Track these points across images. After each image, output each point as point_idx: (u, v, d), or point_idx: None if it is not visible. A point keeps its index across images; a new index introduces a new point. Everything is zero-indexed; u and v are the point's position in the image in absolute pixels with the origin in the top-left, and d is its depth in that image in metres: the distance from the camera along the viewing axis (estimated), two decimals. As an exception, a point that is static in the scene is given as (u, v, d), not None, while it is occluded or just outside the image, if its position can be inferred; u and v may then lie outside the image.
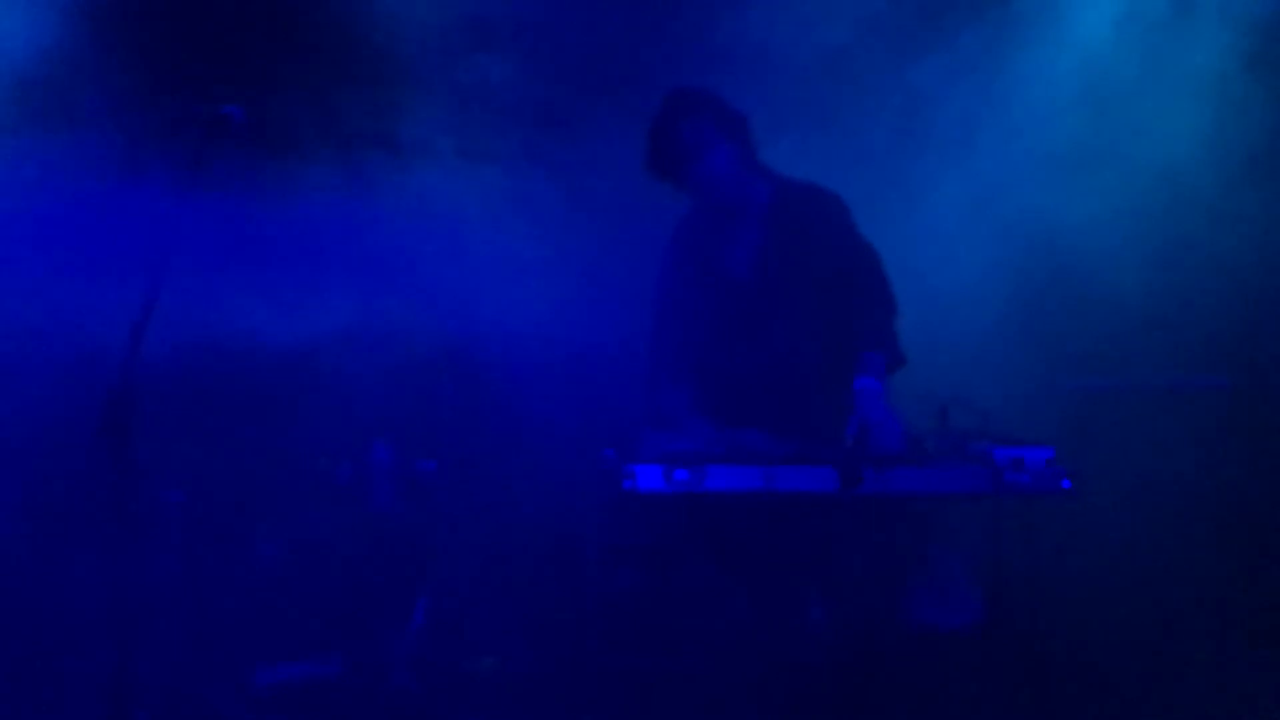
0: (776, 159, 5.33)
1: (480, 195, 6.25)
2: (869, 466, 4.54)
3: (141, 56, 6.05)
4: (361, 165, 6.24)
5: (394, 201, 6.23)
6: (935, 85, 6.15)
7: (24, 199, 5.88)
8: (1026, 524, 4.79)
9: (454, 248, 6.22)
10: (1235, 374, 6.04)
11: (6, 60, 5.87)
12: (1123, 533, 5.67)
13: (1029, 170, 6.12)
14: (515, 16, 6.30)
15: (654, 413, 5.24)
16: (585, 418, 5.96)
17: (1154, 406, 5.96)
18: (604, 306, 6.16)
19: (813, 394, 5.04)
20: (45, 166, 5.89)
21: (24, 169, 5.91)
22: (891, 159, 6.13)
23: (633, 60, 6.30)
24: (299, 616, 5.86)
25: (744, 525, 4.79)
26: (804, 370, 5.11)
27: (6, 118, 5.90)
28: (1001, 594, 4.86)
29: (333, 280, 6.11)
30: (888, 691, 4.85)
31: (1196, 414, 5.94)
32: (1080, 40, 6.16)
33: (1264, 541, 5.73)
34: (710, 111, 5.16)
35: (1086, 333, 6.17)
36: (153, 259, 4.50)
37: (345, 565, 5.96)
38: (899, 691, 4.86)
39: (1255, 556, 5.71)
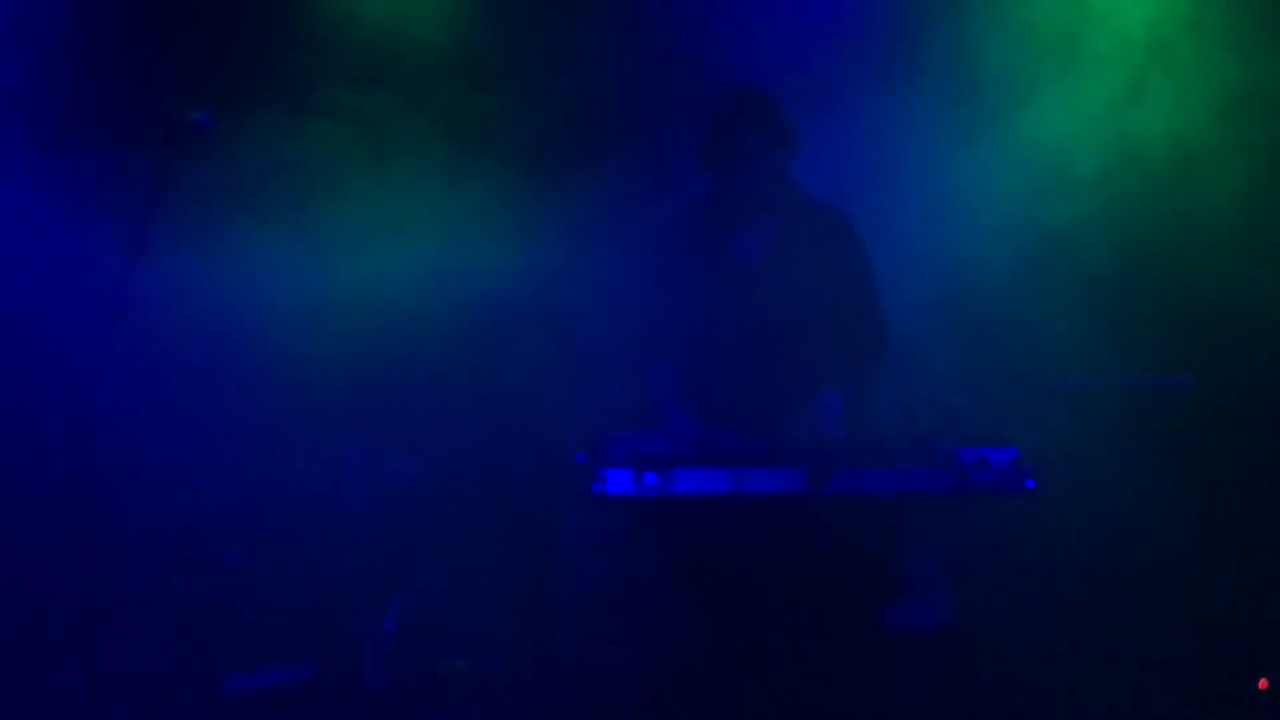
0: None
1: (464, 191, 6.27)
2: (838, 468, 4.58)
3: (129, 59, 6.05)
4: (340, 163, 6.24)
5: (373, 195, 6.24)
6: (904, 87, 6.22)
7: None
8: (993, 523, 4.83)
9: (429, 242, 6.23)
10: (1199, 374, 6.08)
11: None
12: (1087, 532, 5.71)
13: (997, 167, 6.16)
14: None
15: (642, 393, 5.29)
16: (558, 420, 5.98)
17: (1119, 406, 5.99)
18: (581, 306, 6.20)
19: (795, 388, 5.11)
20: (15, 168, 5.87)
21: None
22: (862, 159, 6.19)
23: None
24: (269, 620, 5.86)
25: (714, 527, 4.82)
26: (792, 365, 5.17)
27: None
28: (970, 593, 4.90)
29: (305, 283, 6.10)
30: (858, 691, 4.88)
31: (1161, 413, 5.98)
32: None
33: (1228, 539, 5.77)
34: (774, 126, 5.22)
35: (1051, 333, 6.21)
36: (122, 263, 4.51)
37: (316, 568, 5.96)
38: (869, 691, 4.89)
39: (1220, 553, 5.75)
